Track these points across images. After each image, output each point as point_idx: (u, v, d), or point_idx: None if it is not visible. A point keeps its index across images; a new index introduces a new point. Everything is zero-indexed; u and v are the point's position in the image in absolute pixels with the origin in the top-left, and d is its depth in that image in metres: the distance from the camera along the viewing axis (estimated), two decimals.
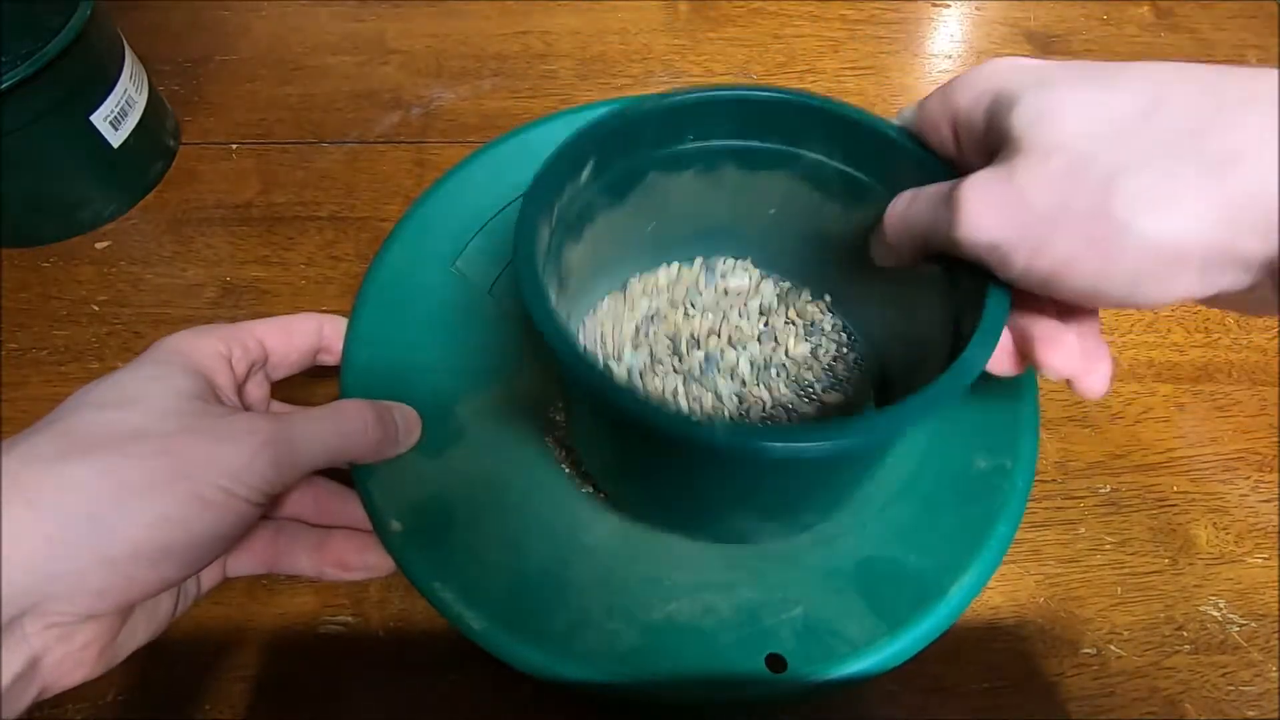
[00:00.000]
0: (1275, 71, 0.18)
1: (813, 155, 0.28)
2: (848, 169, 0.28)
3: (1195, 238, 0.18)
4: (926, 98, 0.24)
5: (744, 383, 0.31)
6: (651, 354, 0.32)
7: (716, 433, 0.20)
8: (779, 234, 0.32)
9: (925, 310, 0.27)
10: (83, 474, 0.21)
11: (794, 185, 0.29)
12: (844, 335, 0.33)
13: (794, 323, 0.33)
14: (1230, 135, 0.17)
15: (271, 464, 0.24)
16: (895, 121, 0.26)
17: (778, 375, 0.32)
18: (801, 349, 0.32)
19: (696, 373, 0.31)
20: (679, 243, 0.34)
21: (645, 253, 0.33)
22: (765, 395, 0.31)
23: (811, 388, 0.32)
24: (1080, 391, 0.23)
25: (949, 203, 0.21)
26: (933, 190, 0.23)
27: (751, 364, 0.32)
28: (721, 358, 0.32)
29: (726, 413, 0.30)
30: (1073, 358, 0.23)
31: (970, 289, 0.23)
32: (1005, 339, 0.23)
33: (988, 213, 0.20)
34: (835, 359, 0.33)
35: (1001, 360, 0.24)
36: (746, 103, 0.27)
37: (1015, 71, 0.21)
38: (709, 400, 0.31)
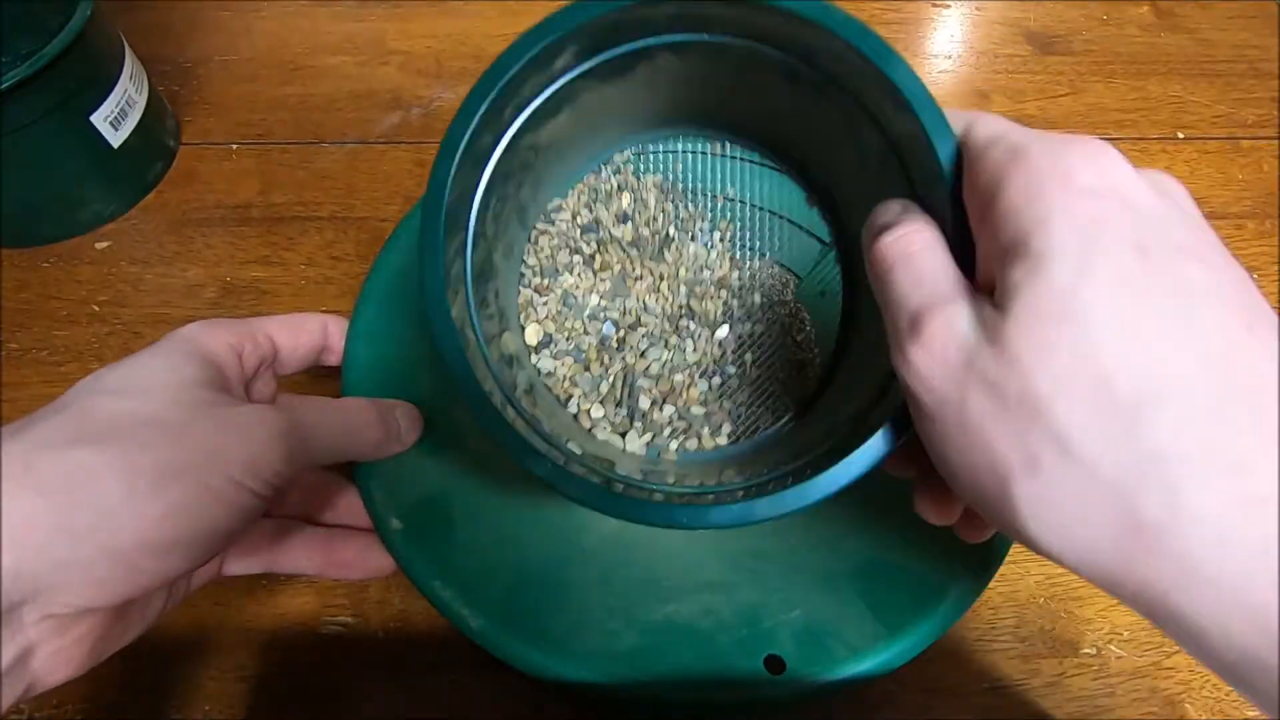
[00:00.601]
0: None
1: (851, 107, 0.25)
2: (886, 134, 0.24)
3: (1084, 570, 0.16)
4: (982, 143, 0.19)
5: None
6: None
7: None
8: (785, 128, 0.29)
9: None
10: (93, 462, 0.21)
11: (826, 107, 0.26)
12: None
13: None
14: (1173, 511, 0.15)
15: (282, 456, 0.24)
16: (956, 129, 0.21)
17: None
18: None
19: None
20: (685, 119, 0.31)
21: (647, 123, 0.31)
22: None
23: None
24: (958, 532, 0.22)
25: (913, 323, 0.18)
26: (922, 274, 0.19)
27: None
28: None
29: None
30: (947, 518, 0.22)
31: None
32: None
33: (930, 376, 0.18)
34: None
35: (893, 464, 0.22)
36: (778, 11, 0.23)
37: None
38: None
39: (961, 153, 0.20)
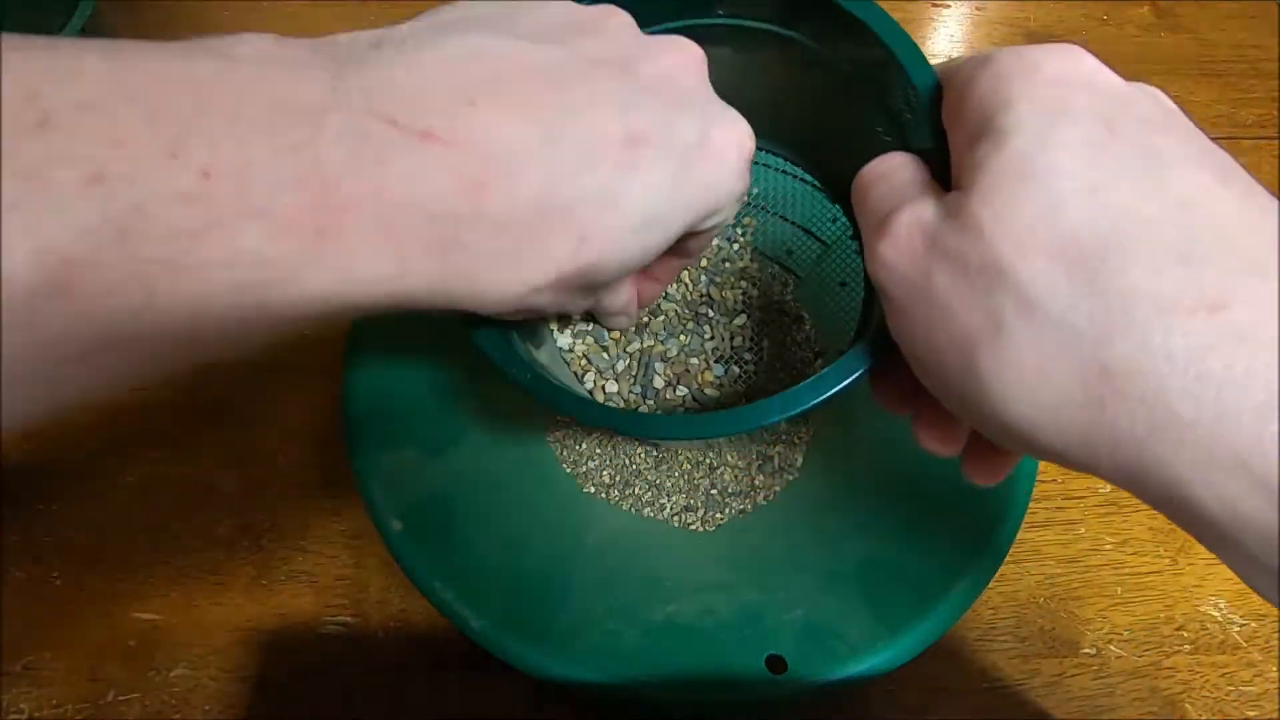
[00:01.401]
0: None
1: (855, 72, 0.24)
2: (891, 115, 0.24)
3: (1057, 440, 0.16)
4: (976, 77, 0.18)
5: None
6: None
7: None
8: (814, 130, 0.28)
9: None
10: None
11: (830, 92, 0.26)
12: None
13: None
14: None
15: None
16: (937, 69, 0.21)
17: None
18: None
19: None
20: None
21: None
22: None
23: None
24: (965, 473, 0.21)
25: (881, 224, 0.18)
26: (895, 184, 0.19)
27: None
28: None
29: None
30: (952, 445, 0.21)
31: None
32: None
33: (897, 265, 0.17)
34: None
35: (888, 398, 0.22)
36: None
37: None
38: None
39: (941, 86, 0.20)
